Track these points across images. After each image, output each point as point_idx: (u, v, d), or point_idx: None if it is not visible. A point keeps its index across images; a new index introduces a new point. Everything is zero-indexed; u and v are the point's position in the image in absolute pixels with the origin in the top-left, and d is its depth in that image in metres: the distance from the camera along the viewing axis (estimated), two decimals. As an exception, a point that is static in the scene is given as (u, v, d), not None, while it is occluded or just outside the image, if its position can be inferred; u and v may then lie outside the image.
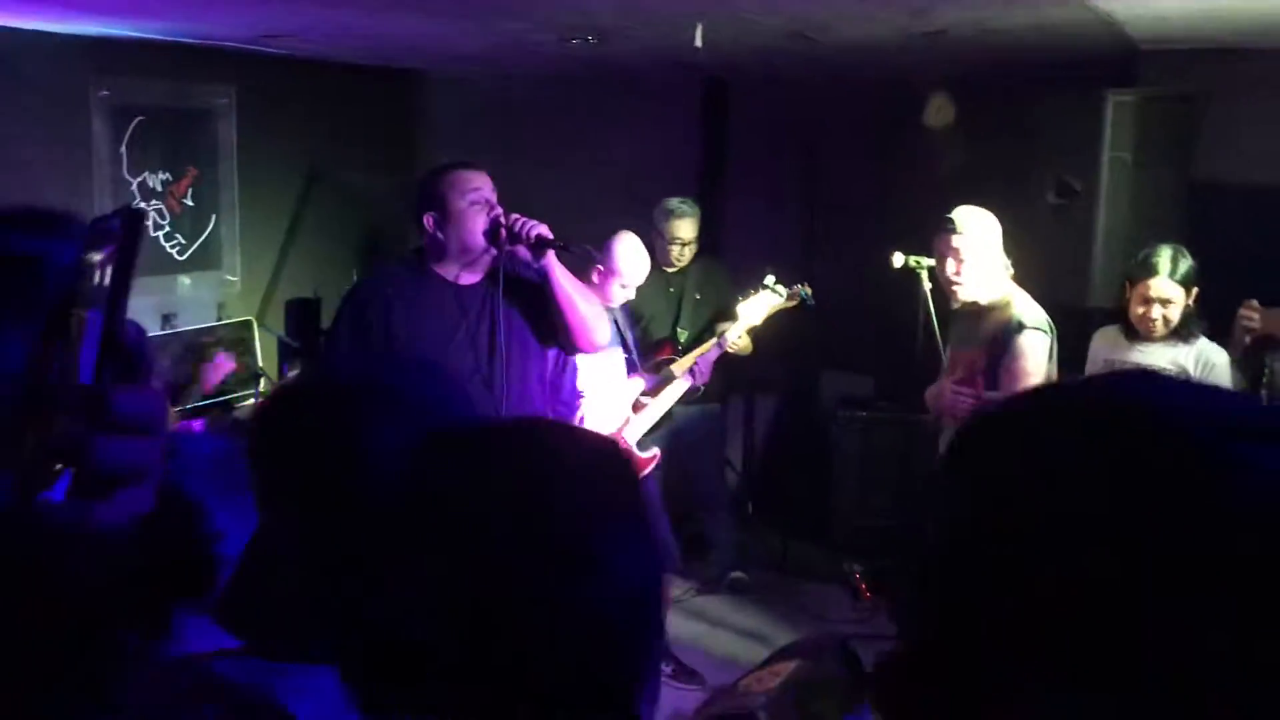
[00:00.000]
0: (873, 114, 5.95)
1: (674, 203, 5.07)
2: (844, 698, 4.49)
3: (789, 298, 4.68)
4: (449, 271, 3.15)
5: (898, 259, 4.15)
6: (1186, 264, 3.69)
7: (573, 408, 4.39)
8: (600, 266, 4.37)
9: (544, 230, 3.05)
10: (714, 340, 4.65)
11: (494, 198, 3.13)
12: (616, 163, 6.62)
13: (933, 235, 3.75)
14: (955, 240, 3.64)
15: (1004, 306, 3.64)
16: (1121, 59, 4.77)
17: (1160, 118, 4.36)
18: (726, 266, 5.29)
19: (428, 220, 3.12)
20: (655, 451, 4.52)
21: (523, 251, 3.09)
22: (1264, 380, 3.67)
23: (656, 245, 4.96)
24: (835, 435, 5.82)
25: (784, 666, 4.37)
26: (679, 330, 5.03)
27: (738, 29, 4.26)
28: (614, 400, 4.49)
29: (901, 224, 5.55)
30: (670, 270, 5.08)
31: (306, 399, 1.36)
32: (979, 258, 3.63)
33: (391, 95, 6.92)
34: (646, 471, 4.47)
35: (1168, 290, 3.66)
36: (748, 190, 5.68)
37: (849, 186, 6.19)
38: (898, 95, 5.84)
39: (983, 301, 3.68)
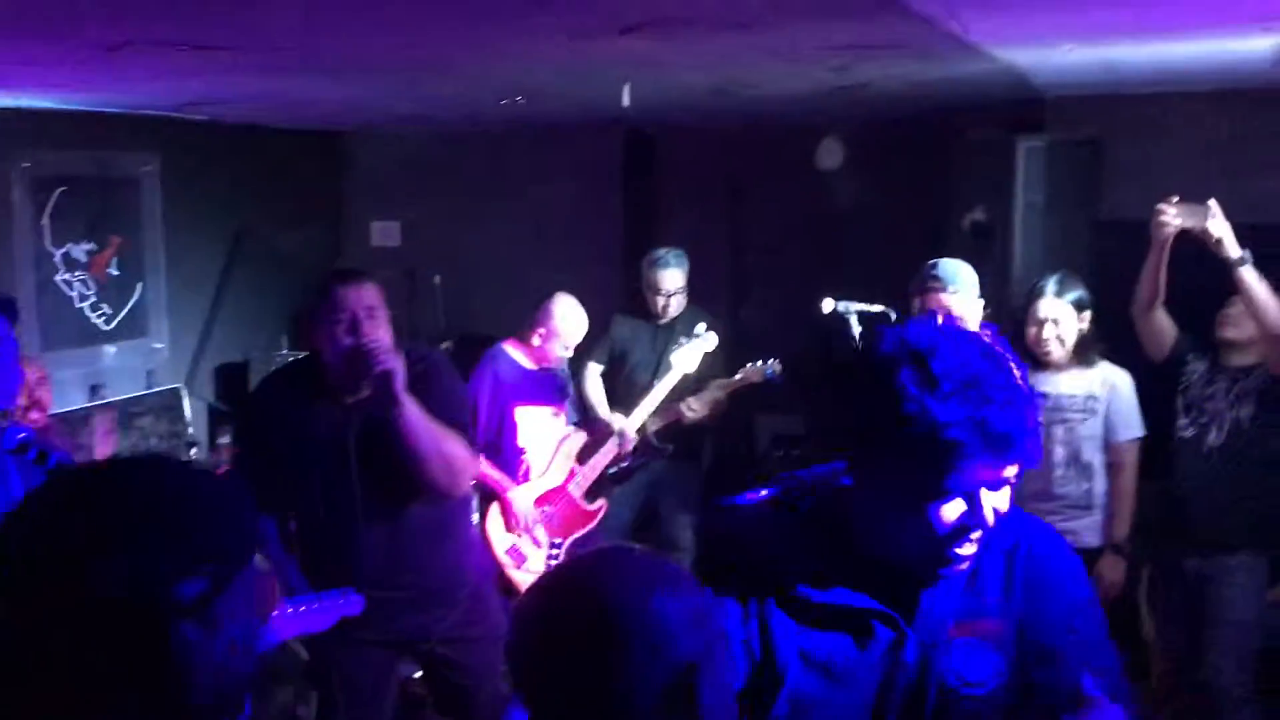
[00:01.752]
0: (796, 159, 6.13)
1: (659, 253, 5.02)
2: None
3: (752, 374, 4.76)
4: (331, 386, 2.98)
5: (828, 304, 4.26)
6: (1074, 287, 3.85)
7: (514, 464, 4.45)
8: (542, 329, 4.44)
9: (387, 368, 2.79)
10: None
11: (367, 314, 2.88)
12: (545, 215, 6.72)
13: (915, 286, 3.68)
14: (945, 298, 3.59)
15: None
16: (1030, 106, 5.01)
17: (1067, 161, 4.59)
18: (720, 322, 5.17)
19: (311, 332, 2.99)
20: (601, 503, 4.59)
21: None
22: (1180, 386, 3.83)
23: (645, 295, 5.02)
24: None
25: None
26: (656, 382, 4.86)
27: (664, 86, 4.39)
28: (557, 454, 4.55)
29: (826, 267, 5.75)
30: (659, 321, 5.02)
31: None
32: (966, 313, 3.59)
33: (319, 155, 6.94)
34: (592, 525, 4.53)
35: (1054, 310, 3.80)
36: (675, 237, 5.76)
37: (774, 231, 6.36)
38: (820, 141, 6.03)
39: None
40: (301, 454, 2.95)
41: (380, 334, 2.88)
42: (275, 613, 2.69)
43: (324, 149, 6.98)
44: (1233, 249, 3.54)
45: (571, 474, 4.54)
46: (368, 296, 2.91)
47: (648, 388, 4.75)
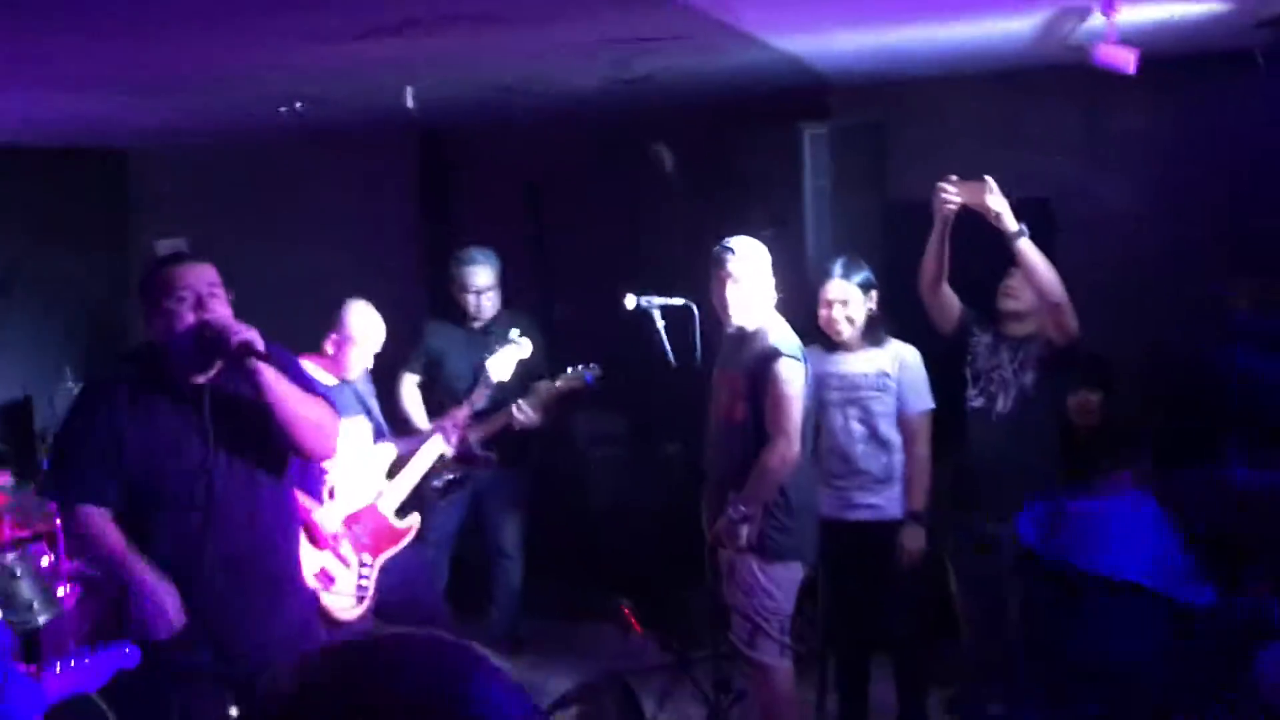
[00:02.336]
0: (595, 156, 6.10)
1: (467, 251, 4.94)
2: (624, 734, 4.46)
3: (573, 380, 4.69)
4: (175, 370, 2.93)
5: (630, 301, 4.28)
6: (860, 269, 4.02)
7: (318, 484, 4.28)
8: (335, 336, 4.29)
9: (247, 337, 2.78)
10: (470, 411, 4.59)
11: (209, 292, 2.86)
12: (341, 225, 6.52)
13: (709, 263, 3.85)
14: (730, 267, 3.76)
15: (765, 334, 3.78)
16: (816, 93, 5.11)
17: (852, 146, 4.70)
18: (537, 324, 5.10)
19: (146, 318, 2.94)
20: (414, 519, 4.45)
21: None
22: (968, 358, 3.97)
23: (456, 297, 4.91)
24: (593, 475, 5.91)
25: (562, 716, 4.36)
26: (474, 391, 4.68)
27: (446, 87, 4.30)
28: (363, 470, 4.40)
29: (633, 262, 5.75)
30: (475, 325, 4.93)
31: None
32: (749, 284, 3.77)
33: (96, 174, 6.58)
34: (405, 540, 4.39)
35: (842, 291, 3.98)
36: (477, 241, 5.69)
37: (579, 229, 6.32)
38: (617, 137, 6.02)
39: (748, 327, 3.81)
40: (149, 442, 2.89)
41: (225, 312, 2.86)
42: (44, 671, 2.50)
43: (101, 167, 6.61)
44: (1010, 222, 3.69)
45: (380, 492, 4.40)
46: (208, 275, 2.89)
47: (465, 397, 4.64)
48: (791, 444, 3.65)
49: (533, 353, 4.75)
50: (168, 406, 2.91)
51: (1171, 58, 4.49)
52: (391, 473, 4.48)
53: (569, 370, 4.73)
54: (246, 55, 3.27)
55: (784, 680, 3.85)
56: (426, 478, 4.54)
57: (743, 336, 3.84)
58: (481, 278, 4.89)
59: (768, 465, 3.66)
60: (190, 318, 2.82)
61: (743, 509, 3.67)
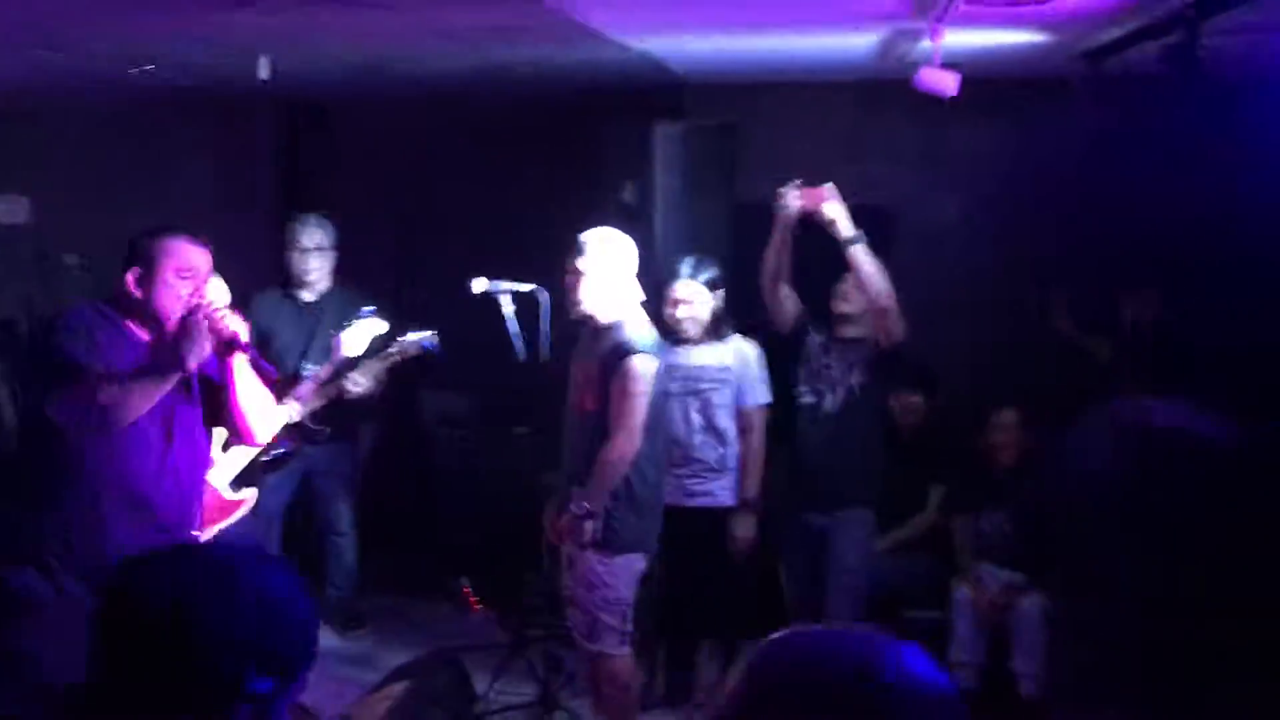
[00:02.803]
0: (457, 138, 6.11)
1: (302, 216, 4.95)
2: (453, 711, 4.55)
3: (409, 347, 4.64)
4: (139, 330, 3.05)
5: (478, 284, 4.32)
6: (706, 269, 4.15)
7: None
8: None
9: (235, 331, 2.96)
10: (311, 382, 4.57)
11: (205, 277, 3.03)
12: (198, 193, 6.38)
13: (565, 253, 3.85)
14: (579, 261, 3.74)
15: (621, 328, 3.76)
16: (671, 91, 5.23)
17: (704, 146, 4.83)
18: (368, 299, 4.91)
19: (130, 277, 2.99)
20: (248, 492, 4.43)
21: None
22: (802, 357, 4.15)
23: (287, 259, 4.90)
24: (438, 454, 5.95)
25: (394, 689, 4.37)
26: (305, 365, 4.71)
27: (305, 61, 4.28)
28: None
29: (492, 246, 5.79)
30: (305, 299, 4.90)
31: None
32: (598, 277, 3.74)
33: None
34: (238, 514, 4.37)
35: (689, 291, 4.12)
36: (332, 215, 5.65)
37: (436, 210, 6.33)
38: (482, 122, 6.05)
39: (601, 320, 3.79)
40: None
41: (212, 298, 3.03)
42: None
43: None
44: (845, 229, 3.86)
45: (213, 462, 4.36)
46: (208, 260, 3.01)
47: (296, 372, 4.61)
48: (631, 439, 3.68)
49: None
50: (128, 363, 2.97)
51: (1005, 80, 4.76)
52: (227, 445, 4.44)
53: (400, 338, 4.68)
54: (102, 15, 3.22)
55: (623, 667, 3.86)
56: (261, 452, 4.51)
57: (599, 329, 3.82)
58: (311, 237, 4.86)
59: (606, 460, 3.68)
60: (187, 298, 2.95)
61: (585, 505, 3.68)
